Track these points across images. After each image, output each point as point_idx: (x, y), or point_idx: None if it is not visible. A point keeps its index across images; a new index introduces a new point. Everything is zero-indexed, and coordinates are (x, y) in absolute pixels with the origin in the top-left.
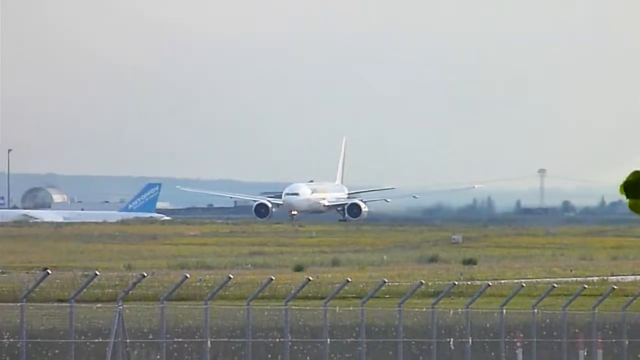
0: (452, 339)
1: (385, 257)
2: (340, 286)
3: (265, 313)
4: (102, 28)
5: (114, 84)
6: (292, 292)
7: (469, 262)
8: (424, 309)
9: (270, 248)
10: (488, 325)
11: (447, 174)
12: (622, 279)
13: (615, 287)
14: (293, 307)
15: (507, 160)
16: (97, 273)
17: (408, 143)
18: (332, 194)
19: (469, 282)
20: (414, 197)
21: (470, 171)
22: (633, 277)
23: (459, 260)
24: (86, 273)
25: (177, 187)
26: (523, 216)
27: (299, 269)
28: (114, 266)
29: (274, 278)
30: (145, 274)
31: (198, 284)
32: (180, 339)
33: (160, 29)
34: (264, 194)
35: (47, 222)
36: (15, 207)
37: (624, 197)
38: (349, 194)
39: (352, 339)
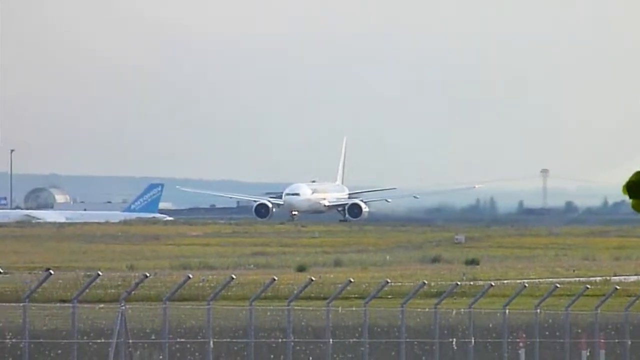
0: (454, 339)
1: (387, 257)
2: (342, 286)
3: (268, 313)
4: (102, 28)
5: (115, 84)
6: (295, 292)
7: (472, 262)
8: (427, 309)
9: (272, 248)
10: (491, 325)
11: (448, 174)
12: (624, 279)
13: (618, 287)
14: (295, 307)
15: (507, 160)
16: (100, 273)
17: (408, 143)
18: (333, 194)
19: (471, 282)
20: (414, 197)
21: (470, 171)
22: (636, 277)
23: (462, 261)
24: (89, 273)
25: (177, 187)
26: (526, 216)
27: (301, 269)
28: (117, 266)
29: (276, 278)
30: (148, 275)
31: (200, 284)
32: (182, 340)
33: (160, 29)
34: (267, 194)
35: (50, 223)
36: (17, 208)
37: (626, 198)
38: (349, 194)
39: (354, 339)
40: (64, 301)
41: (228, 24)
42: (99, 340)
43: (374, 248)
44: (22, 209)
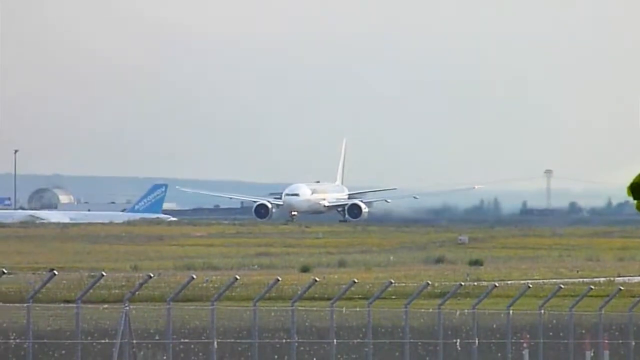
0: (458, 340)
1: (391, 257)
2: (346, 287)
3: (272, 314)
4: (102, 28)
5: (115, 84)
6: (299, 292)
7: (476, 262)
8: (431, 310)
9: (276, 249)
10: (494, 326)
11: (448, 174)
12: (628, 279)
13: (622, 288)
14: (299, 307)
15: (508, 160)
16: (104, 274)
17: (408, 143)
18: (332, 194)
19: (475, 283)
20: (414, 197)
21: (470, 172)
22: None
23: (466, 261)
24: (93, 274)
25: (177, 187)
26: (529, 217)
27: (305, 269)
28: (121, 267)
29: (280, 279)
30: (152, 275)
31: (204, 284)
32: (186, 340)
33: (160, 29)
34: (271, 194)
35: (54, 223)
36: (21, 208)
37: (630, 198)
38: (349, 194)
39: (358, 340)
40: (68, 302)
41: (228, 24)
42: (102, 341)
43: (377, 249)
44: (26, 210)
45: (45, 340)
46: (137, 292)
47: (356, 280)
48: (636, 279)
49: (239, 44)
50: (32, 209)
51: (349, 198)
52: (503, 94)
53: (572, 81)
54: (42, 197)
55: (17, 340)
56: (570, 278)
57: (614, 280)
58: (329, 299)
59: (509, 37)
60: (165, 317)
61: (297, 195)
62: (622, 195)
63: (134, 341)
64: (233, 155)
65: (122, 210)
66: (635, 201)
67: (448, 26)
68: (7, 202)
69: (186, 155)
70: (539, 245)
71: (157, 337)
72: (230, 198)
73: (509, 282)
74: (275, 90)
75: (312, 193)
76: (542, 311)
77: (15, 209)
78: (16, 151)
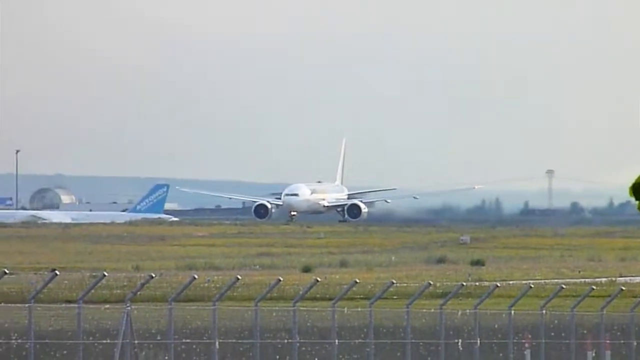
0: (460, 340)
1: (393, 258)
2: (348, 287)
3: (274, 314)
4: (102, 28)
5: (117, 84)
6: (300, 293)
7: (477, 263)
8: (432, 310)
9: (278, 249)
10: (496, 326)
11: (448, 175)
12: (630, 280)
13: (624, 288)
14: (301, 308)
15: (508, 160)
16: (105, 274)
17: (408, 143)
18: (332, 194)
19: (477, 283)
20: (414, 197)
21: (470, 172)
22: None
23: (467, 261)
24: (94, 274)
25: (177, 187)
26: (531, 217)
27: (306, 269)
28: (122, 267)
29: (282, 279)
30: (154, 275)
31: (206, 284)
32: (188, 340)
33: (160, 29)
34: (273, 194)
35: (55, 223)
36: (23, 208)
37: (632, 199)
38: (348, 194)
39: (360, 340)
40: (69, 302)
41: (228, 24)
42: (104, 341)
43: (379, 249)
44: (27, 210)
45: (46, 341)
46: (138, 292)
47: (358, 281)
48: (638, 279)
49: (239, 44)
50: (33, 209)
51: (348, 198)
52: (503, 94)
53: (572, 81)
54: (43, 197)
55: (19, 341)
56: (572, 278)
57: (615, 280)
58: (330, 299)
59: (509, 37)
60: (166, 317)
61: (296, 195)
62: (623, 195)
63: (136, 341)
64: (233, 155)
65: (124, 211)
66: (637, 202)
67: (448, 26)
68: (8, 202)
69: (186, 156)
70: (540, 246)
71: (158, 338)
72: (230, 198)
73: (510, 282)
74: (275, 90)
75: (312, 193)
76: (544, 311)
77: (17, 209)
78: (18, 151)
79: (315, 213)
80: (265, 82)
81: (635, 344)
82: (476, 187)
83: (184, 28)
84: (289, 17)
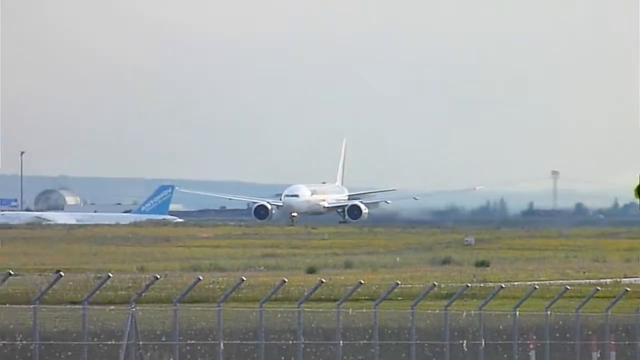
0: (465, 341)
1: (397, 259)
2: (352, 288)
3: (278, 315)
4: (102, 28)
5: (115, 84)
6: (305, 294)
7: (482, 264)
8: (437, 311)
9: (282, 250)
10: (501, 327)
11: (448, 175)
12: (635, 280)
13: (628, 289)
14: (306, 309)
15: (508, 161)
16: (110, 275)
17: (408, 143)
18: (332, 195)
19: (481, 284)
20: (414, 198)
21: (470, 172)
22: None
23: (472, 262)
24: (99, 275)
25: (177, 188)
26: (536, 218)
27: (311, 271)
28: (127, 268)
29: (286, 280)
30: (158, 276)
31: (211, 286)
32: (193, 341)
33: (160, 29)
34: (276, 195)
35: (60, 224)
36: (28, 210)
37: (637, 200)
38: (349, 195)
39: (364, 341)
40: (74, 303)
41: (228, 24)
42: (109, 342)
43: (383, 250)
44: (32, 211)
45: (51, 342)
46: (143, 294)
47: (362, 282)
48: None
49: (239, 44)
50: (38, 211)
51: (348, 199)
52: (503, 94)
53: (573, 81)
54: (48, 199)
55: (24, 342)
56: (576, 279)
57: (620, 281)
58: (335, 300)
59: (509, 37)
60: (171, 319)
61: (296, 196)
62: (628, 196)
63: (141, 342)
64: (233, 156)
65: (128, 212)
66: None
67: (448, 26)
68: (13, 203)
69: (186, 156)
70: (545, 247)
71: (163, 339)
72: (230, 199)
73: (515, 283)
74: (275, 90)
75: (312, 194)
76: (549, 312)
77: (21, 210)
78: (22, 153)
79: (316, 214)
80: (265, 82)
81: None
82: (477, 188)
83: (184, 28)
84: (289, 17)
